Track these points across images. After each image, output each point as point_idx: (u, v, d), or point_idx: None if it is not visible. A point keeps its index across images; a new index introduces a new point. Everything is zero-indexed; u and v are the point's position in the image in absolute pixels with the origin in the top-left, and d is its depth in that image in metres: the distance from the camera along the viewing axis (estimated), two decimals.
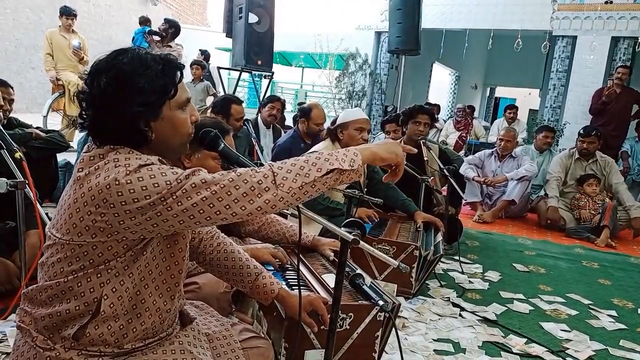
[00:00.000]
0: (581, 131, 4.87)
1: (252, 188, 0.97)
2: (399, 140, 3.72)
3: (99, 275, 1.01)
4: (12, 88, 2.89)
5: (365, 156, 1.10)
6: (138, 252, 1.03)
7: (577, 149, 4.86)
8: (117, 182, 0.94)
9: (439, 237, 2.88)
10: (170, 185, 0.95)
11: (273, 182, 0.98)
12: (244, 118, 3.70)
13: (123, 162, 0.97)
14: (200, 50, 8.61)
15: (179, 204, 0.94)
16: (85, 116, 1.04)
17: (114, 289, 1.02)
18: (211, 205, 0.95)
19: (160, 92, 1.03)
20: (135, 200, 0.94)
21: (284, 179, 0.99)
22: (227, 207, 0.96)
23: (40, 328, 1.04)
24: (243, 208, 0.97)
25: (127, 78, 1.00)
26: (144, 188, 0.94)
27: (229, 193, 0.96)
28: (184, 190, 0.95)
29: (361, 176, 1.11)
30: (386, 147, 1.15)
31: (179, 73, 1.08)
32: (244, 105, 3.66)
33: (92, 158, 1.01)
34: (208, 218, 0.97)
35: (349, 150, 1.08)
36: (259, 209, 0.98)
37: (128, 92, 1.00)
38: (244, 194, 0.96)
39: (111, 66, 1.01)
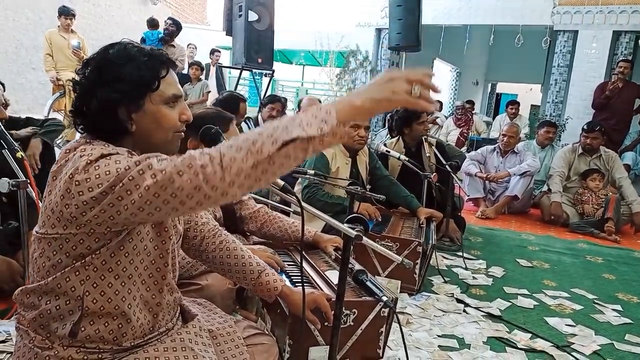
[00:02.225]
0: (585, 127, 4.85)
1: (196, 173, 0.85)
2: (395, 139, 3.68)
3: (77, 272, 1.01)
4: (2, 85, 2.67)
5: (343, 113, 0.87)
6: (114, 247, 1.02)
7: (580, 144, 4.85)
8: (77, 172, 0.94)
9: (432, 227, 2.87)
10: (119, 172, 0.91)
11: (219, 164, 0.85)
12: (246, 116, 3.76)
13: (87, 152, 0.97)
14: (214, 49, 8.52)
15: (128, 192, 0.89)
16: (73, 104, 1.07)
17: (94, 285, 1.02)
18: (156, 195, 0.88)
19: (140, 82, 1.03)
20: (90, 189, 0.92)
21: (232, 160, 0.85)
22: (174, 195, 0.87)
23: (37, 327, 1.05)
24: (190, 196, 0.87)
25: (108, 66, 1.02)
26: (97, 177, 0.92)
27: (171, 180, 0.86)
28: (130, 178, 0.89)
29: (343, 138, 0.89)
30: (373, 92, 0.89)
31: (165, 68, 1.07)
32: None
33: (67, 151, 1.02)
34: (158, 209, 0.89)
35: (322, 108, 0.88)
36: (207, 197, 0.87)
37: (107, 79, 1.02)
38: (189, 181, 0.86)
39: (99, 56, 1.05)
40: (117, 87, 1.01)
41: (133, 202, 0.89)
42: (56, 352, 1.02)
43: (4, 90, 2.59)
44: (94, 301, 1.02)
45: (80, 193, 0.93)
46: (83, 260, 1.00)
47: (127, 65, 1.02)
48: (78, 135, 1.11)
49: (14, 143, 2.07)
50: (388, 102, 0.89)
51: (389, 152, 3.28)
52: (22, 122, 2.92)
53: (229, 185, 0.86)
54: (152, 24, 7.30)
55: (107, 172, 0.92)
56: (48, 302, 1.03)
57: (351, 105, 0.88)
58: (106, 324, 1.03)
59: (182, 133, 1.13)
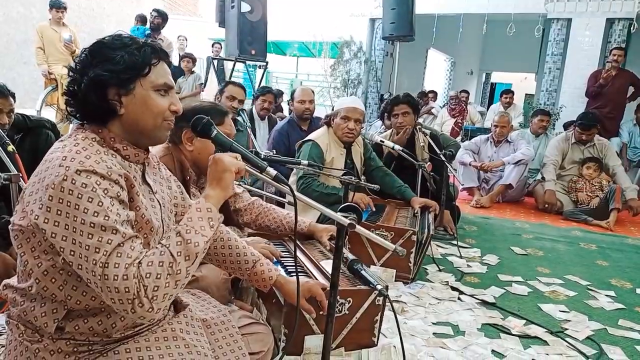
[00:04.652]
0: (581, 121, 4.77)
1: (130, 302, 0.92)
2: (389, 132, 3.69)
3: (53, 280, 1.01)
4: (13, 96, 2.46)
5: (216, 202, 1.11)
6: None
7: (574, 137, 4.83)
8: (52, 186, 0.94)
9: (429, 217, 2.88)
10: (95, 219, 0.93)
11: (145, 296, 0.93)
12: (240, 108, 3.73)
13: (69, 158, 0.96)
14: (217, 43, 8.43)
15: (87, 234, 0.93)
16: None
17: (74, 287, 1.02)
18: (93, 274, 0.93)
19: (131, 66, 1.05)
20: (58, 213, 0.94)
21: (156, 289, 0.94)
22: (101, 290, 0.94)
23: (25, 322, 1.05)
24: (110, 301, 0.94)
25: (102, 48, 1.06)
26: (66, 215, 0.93)
27: (109, 288, 0.92)
28: (100, 238, 0.93)
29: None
30: (218, 175, 1.13)
31: (157, 57, 1.09)
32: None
33: (60, 141, 1.05)
34: (79, 267, 0.95)
35: (201, 210, 1.07)
36: (125, 314, 0.96)
37: (99, 59, 1.05)
38: (120, 301, 0.92)
39: (94, 43, 1.08)
40: (108, 68, 1.03)
41: (72, 252, 0.93)
42: (46, 345, 1.02)
43: (15, 101, 2.48)
44: (78, 302, 1.02)
45: (39, 203, 0.95)
46: (54, 265, 1.00)
47: (120, 50, 1.05)
48: (71, 129, 1.11)
49: (5, 137, 2.06)
50: (230, 174, 1.13)
51: (383, 142, 3.28)
52: (25, 121, 2.77)
53: (156, 312, 0.96)
54: (142, 20, 7.21)
55: (55, 223, 0.94)
56: (32, 306, 1.03)
57: (217, 197, 1.12)
58: (94, 318, 1.04)
59: (172, 123, 1.14)
